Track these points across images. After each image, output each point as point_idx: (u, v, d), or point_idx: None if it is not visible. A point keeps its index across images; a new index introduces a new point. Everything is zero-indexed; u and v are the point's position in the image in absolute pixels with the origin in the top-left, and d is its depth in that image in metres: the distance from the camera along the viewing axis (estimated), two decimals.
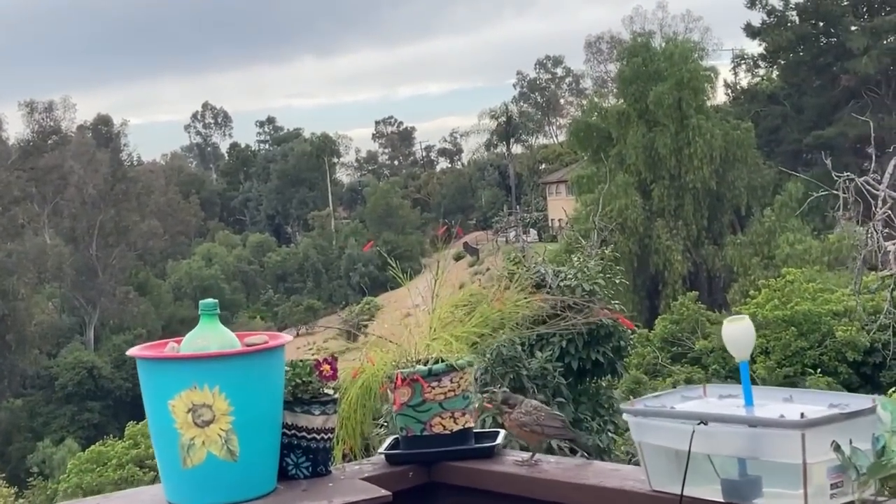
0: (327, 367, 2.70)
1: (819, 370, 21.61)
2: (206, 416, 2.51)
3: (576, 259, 14.90)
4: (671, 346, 25.69)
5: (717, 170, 40.99)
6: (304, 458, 2.74)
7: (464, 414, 2.91)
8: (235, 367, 2.55)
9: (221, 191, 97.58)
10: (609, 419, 14.22)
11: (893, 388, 16.91)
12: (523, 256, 16.96)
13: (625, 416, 2.44)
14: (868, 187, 12.91)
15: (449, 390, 2.88)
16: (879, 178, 13.34)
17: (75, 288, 59.30)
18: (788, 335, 22.52)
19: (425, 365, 2.89)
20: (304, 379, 2.72)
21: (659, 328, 26.52)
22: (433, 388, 2.87)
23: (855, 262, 14.96)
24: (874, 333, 20.90)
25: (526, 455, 2.84)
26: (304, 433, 2.73)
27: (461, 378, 2.90)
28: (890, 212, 13.00)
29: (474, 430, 2.97)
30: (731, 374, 22.67)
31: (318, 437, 2.74)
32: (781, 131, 51.51)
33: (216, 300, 2.65)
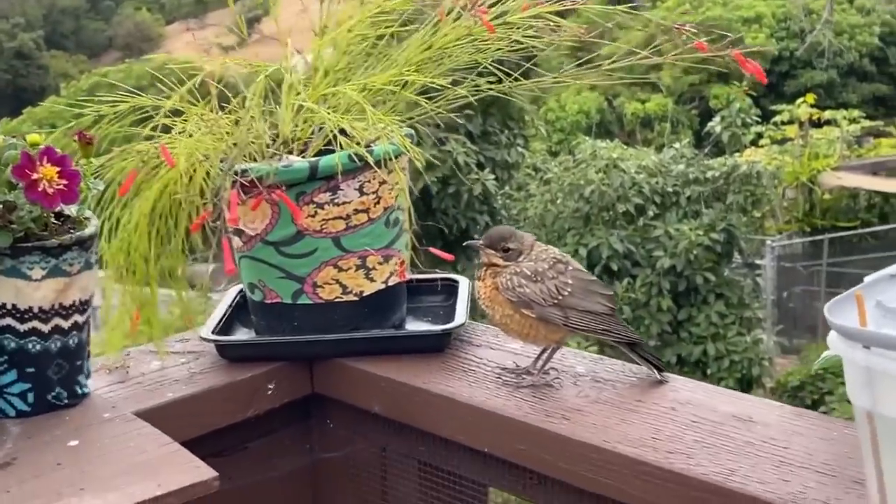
0: (51, 171, 1.07)
1: (724, 77, 21.04)
2: None
3: None
4: (578, 51, 24.39)
5: None
6: (13, 374, 1.17)
7: (387, 259, 1.35)
8: None
9: None
10: (519, 133, 12.91)
11: (801, 100, 16.04)
12: None
13: (834, 345, 0.91)
14: None
15: (356, 210, 1.30)
16: None
17: None
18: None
19: (302, 155, 1.30)
20: None
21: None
22: (321, 207, 1.28)
23: None
24: (783, 42, 20.86)
25: (523, 356, 1.32)
26: (11, 320, 1.15)
27: (381, 183, 1.31)
28: None
29: (406, 281, 1.41)
30: (635, 81, 21.68)
31: (47, 329, 1.16)
32: None
33: None
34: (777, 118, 16.53)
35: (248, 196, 1.22)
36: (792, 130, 16.49)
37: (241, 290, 1.49)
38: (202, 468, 1.10)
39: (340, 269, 1.32)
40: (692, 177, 11.37)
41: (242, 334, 1.43)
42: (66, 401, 1.20)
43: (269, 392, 1.34)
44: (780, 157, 15.59)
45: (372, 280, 1.34)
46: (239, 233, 1.31)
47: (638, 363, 1.24)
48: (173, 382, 1.32)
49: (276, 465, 1.41)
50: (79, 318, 1.19)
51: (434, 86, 1.31)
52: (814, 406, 10.99)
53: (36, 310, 1.15)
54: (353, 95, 1.27)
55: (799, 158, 16.00)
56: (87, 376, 1.24)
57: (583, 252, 10.51)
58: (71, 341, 1.19)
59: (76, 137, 1.17)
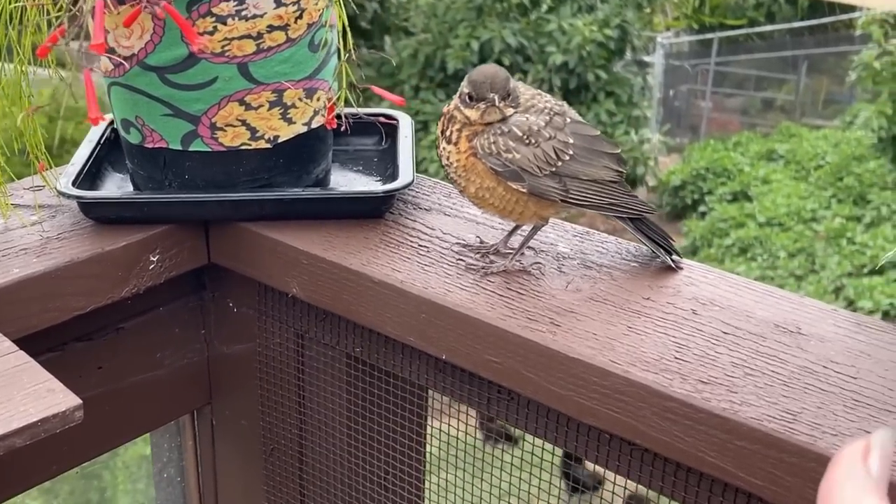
0: None
1: None
2: None
3: None
4: None
5: None
6: None
7: (311, 93, 1.01)
8: None
9: None
10: None
11: None
12: None
13: None
14: None
15: (270, 26, 0.95)
16: None
17: None
18: None
19: None
20: None
21: None
22: (222, 21, 0.93)
23: None
24: None
25: (486, 226, 1.02)
26: None
27: None
28: None
29: (333, 128, 1.08)
30: None
31: None
32: None
33: None
34: None
35: (122, 6, 0.86)
36: None
37: (112, 124, 1.14)
38: (59, 393, 0.79)
39: (248, 107, 0.98)
40: None
41: (115, 185, 1.09)
42: None
43: (152, 266, 1.01)
44: None
45: (290, 122, 1.00)
46: (109, 51, 0.95)
47: (644, 244, 0.95)
48: (21, 252, 0.98)
49: (162, 351, 1.10)
50: None
51: None
52: (694, 206, 11.08)
53: None
54: None
55: None
56: None
57: (475, 45, 10.15)
58: None
59: None
